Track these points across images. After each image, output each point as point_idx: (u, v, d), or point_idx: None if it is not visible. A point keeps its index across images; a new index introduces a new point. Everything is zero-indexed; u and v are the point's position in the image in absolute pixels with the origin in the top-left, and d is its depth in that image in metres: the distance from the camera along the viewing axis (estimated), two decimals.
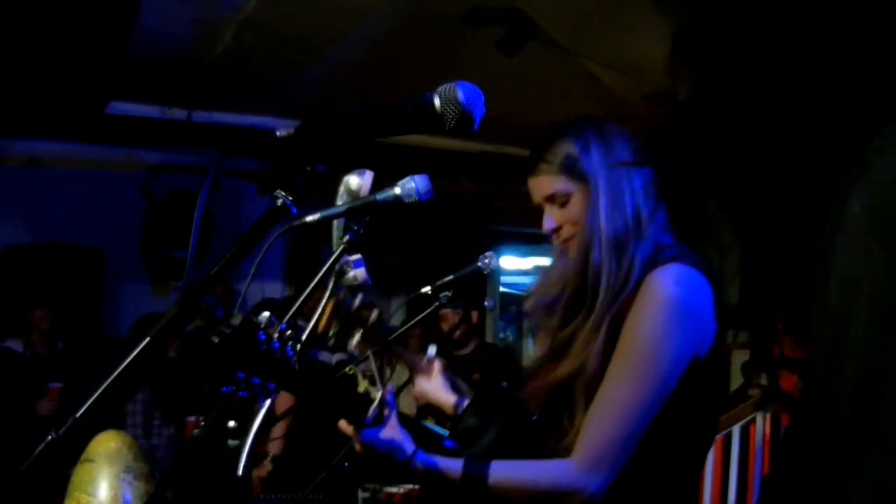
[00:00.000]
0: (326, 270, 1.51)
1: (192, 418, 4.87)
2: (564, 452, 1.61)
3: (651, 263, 1.64)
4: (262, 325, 1.26)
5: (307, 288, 1.49)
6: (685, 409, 1.60)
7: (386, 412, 1.63)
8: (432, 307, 2.52)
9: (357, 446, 1.65)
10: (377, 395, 1.62)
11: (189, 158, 6.95)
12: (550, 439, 1.66)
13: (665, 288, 1.59)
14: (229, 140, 6.48)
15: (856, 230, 0.87)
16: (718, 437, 4.45)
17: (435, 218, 7.26)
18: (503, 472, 1.60)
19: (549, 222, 1.79)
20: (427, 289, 2.51)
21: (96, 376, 1.04)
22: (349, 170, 1.58)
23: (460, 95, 1.22)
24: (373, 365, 1.66)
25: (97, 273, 6.88)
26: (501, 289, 9.68)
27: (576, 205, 1.73)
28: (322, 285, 1.56)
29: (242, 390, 1.22)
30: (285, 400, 4.09)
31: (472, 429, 1.92)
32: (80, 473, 1.96)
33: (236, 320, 1.25)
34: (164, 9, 4.54)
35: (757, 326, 5.09)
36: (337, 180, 1.59)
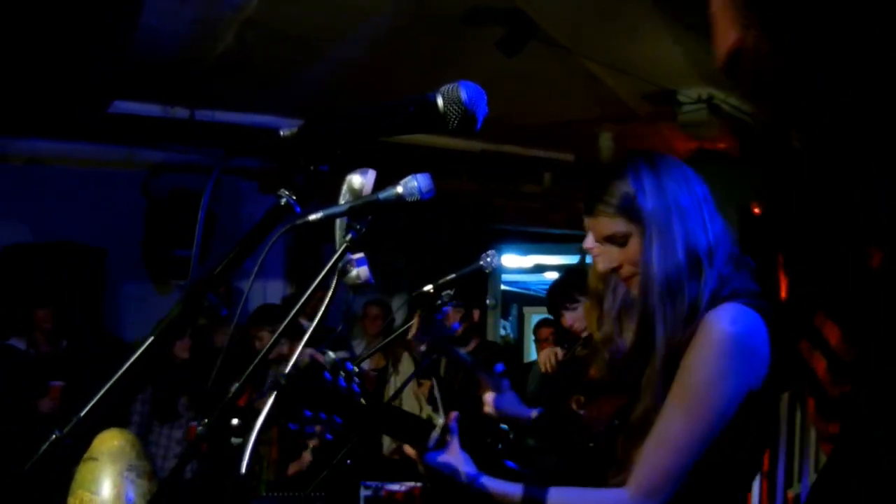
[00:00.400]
0: (329, 269, 1.51)
1: (193, 423, 4.85)
2: (618, 483, 1.71)
3: (710, 302, 1.69)
4: (328, 366, 1.31)
5: (310, 287, 1.49)
6: (740, 440, 1.67)
7: (448, 438, 1.77)
8: (435, 305, 2.53)
9: (421, 468, 1.78)
10: (439, 422, 1.77)
11: (190, 157, 6.95)
12: (607, 471, 1.77)
13: (720, 327, 1.64)
14: (231, 139, 6.48)
15: None
16: None
17: (436, 217, 7.26)
18: (561, 498, 1.71)
19: (608, 263, 1.82)
20: (429, 287, 2.52)
21: (100, 375, 1.05)
22: (352, 169, 1.59)
23: (463, 95, 1.22)
24: (437, 392, 1.79)
25: (98, 272, 6.88)
26: (502, 287, 9.70)
27: (634, 244, 1.76)
28: (324, 284, 1.56)
29: (309, 425, 1.28)
30: None
31: (531, 449, 2.01)
32: (83, 471, 1.96)
33: (303, 362, 1.31)
34: (166, 8, 4.55)
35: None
36: (340, 180, 1.59)
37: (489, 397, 2.35)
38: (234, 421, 1.32)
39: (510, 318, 12.02)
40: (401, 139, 5.52)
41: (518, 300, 12.26)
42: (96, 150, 6.92)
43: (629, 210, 1.74)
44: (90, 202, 6.85)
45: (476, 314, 4.84)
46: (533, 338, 7.10)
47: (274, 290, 7.33)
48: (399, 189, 1.47)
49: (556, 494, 1.71)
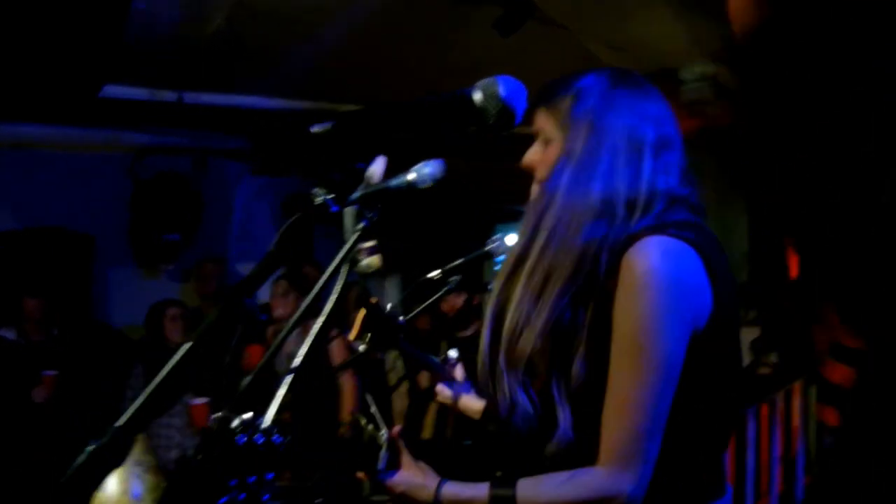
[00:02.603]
0: (342, 258, 1.47)
1: (198, 401, 4.69)
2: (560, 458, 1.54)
3: (624, 243, 1.50)
4: (239, 428, 1.22)
5: (322, 277, 1.46)
6: (697, 389, 1.49)
7: (399, 454, 1.67)
8: (441, 291, 2.49)
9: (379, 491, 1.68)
10: (384, 439, 1.66)
11: (176, 140, 6.85)
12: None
13: (644, 264, 1.45)
14: (219, 121, 6.40)
15: None
16: None
17: (435, 200, 7.20)
18: (531, 490, 1.54)
19: (527, 156, 1.67)
20: (436, 273, 2.47)
21: (91, 362, 1.01)
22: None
23: (501, 90, 1.20)
24: (373, 407, 1.71)
25: (86, 258, 6.80)
26: None
27: (553, 152, 1.61)
28: (336, 273, 1.53)
29: (241, 492, 1.18)
30: None
31: (493, 434, 1.90)
32: None
33: (210, 431, 1.20)
34: None
35: (766, 304, 5.06)
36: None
37: (441, 386, 2.17)
38: (248, 415, 1.28)
39: None
40: None
41: None
42: (82, 134, 6.80)
43: (559, 111, 1.59)
44: (76, 187, 6.75)
45: (477, 299, 4.85)
46: None
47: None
48: (411, 176, 1.43)
49: (525, 486, 1.53)
